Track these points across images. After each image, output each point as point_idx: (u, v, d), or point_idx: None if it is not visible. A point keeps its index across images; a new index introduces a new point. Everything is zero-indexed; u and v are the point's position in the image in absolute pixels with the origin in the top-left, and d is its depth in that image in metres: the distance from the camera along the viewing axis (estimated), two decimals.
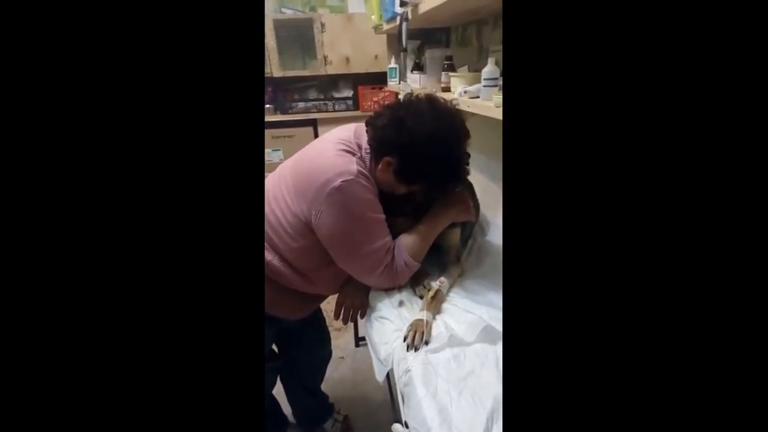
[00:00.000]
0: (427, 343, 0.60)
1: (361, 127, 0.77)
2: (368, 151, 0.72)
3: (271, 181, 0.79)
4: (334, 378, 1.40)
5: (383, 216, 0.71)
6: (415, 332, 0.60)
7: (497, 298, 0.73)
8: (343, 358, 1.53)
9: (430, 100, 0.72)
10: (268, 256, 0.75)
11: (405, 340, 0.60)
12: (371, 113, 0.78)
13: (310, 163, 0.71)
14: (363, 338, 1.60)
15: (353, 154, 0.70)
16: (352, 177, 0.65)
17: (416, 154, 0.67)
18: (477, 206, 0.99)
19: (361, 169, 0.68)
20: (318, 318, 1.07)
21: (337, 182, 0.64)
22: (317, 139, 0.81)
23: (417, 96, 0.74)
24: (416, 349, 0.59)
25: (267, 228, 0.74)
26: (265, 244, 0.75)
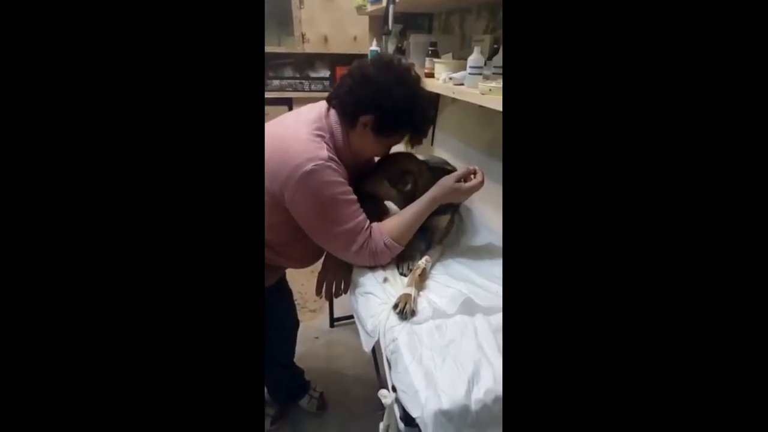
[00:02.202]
0: (414, 313, 0.63)
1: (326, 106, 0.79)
2: (338, 124, 0.75)
3: None
4: (310, 357, 1.42)
5: (354, 197, 0.74)
6: (406, 303, 0.63)
7: (473, 275, 0.78)
8: (317, 338, 1.56)
9: (379, 57, 0.77)
10: None
11: (396, 308, 0.63)
12: None
13: (283, 144, 0.71)
14: (338, 319, 1.62)
15: (323, 138, 0.73)
16: (322, 161, 0.68)
17: (390, 100, 0.71)
18: None
19: (330, 154, 0.71)
20: (282, 288, 1.08)
21: (309, 166, 0.67)
22: (289, 118, 0.81)
23: (363, 60, 0.78)
24: (405, 318, 0.62)
25: None
26: None
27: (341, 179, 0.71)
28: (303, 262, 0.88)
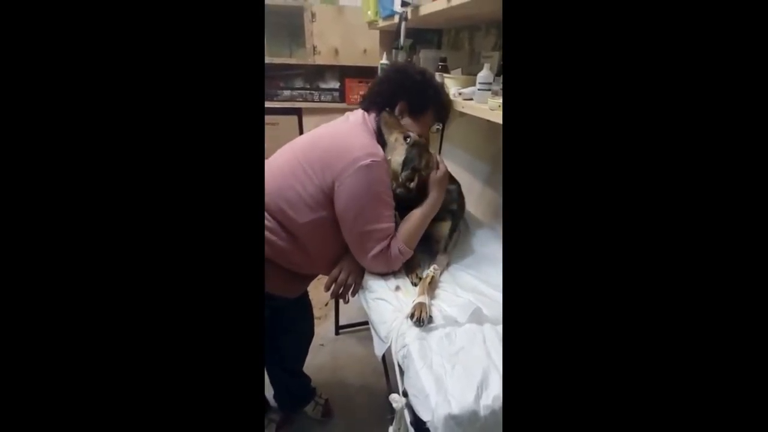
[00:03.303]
0: (431, 320, 0.66)
1: (366, 115, 0.86)
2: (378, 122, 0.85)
3: (283, 157, 0.83)
4: (315, 364, 1.43)
5: (393, 204, 0.79)
6: (421, 311, 0.65)
7: (481, 285, 0.80)
8: (323, 345, 1.57)
9: (391, 63, 0.96)
10: (273, 237, 0.78)
11: (412, 317, 0.65)
12: (358, 106, 0.91)
13: (340, 140, 0.78)
14: (343, 326, 1.64)
15: (374, 138, 0.79)
16: (379, 159, 0.74)
17: (412, 81, 0.86)
18: (462, 205, 1.06)
19: (384, 155, 0.77)
20: (304, 299, 1.11)
21: (367, 161, 0.72)
22: (337, 121, 0.87)
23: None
24: (422, 324, 0.64)
25: (282, 203, 0.77)
26: (274, 222, 0.78)
27: (389, 181, 0.78)
28: (333, 267, 0.89)
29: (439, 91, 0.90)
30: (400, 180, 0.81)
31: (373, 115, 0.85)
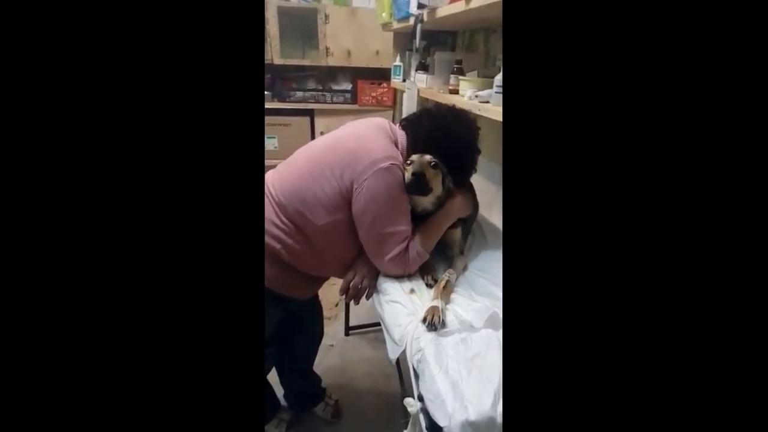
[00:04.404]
0: (444, 324, 0.65)
1: (391, 124, 0.86)
2: (404, 140, 0.83)
3: (302, 158, 0.83)
4: (324, 365, 1.43)
5: (410, 207, 0.79)
6: (433, 315, 0.65)
7: (496, 289, 0.79)
8: (332, 345, 1.57)
9: (451, 107, 0.89)
10: (288, 240, 0.79)
11: (425, 321, 0.65)
12: (370, 108, 0.92)
13: (362, 142, 0.78)
14: (353, 327, 1.64)
15: (395, 145, 0.80)
16: (398, 164, 0.75)
17: (456, 150, 0.81)
18: (476, 206, 1.05)
19: (403, 161, 0.77)
20: (315, 299, 1.12)
21: (387, 164, 0.73)
22: (358, 123, 0.87)
23: (442, 105, 0.90)
24: (435, 329, 0.64)
25: (299, 205, 0.77)
26: (291, 225, 0.78)
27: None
28: (347, 270, 0.89)
29: (469, 171, 0.89)
30: (444, 187, 0.82)
31: (399, 126, 0.85)
